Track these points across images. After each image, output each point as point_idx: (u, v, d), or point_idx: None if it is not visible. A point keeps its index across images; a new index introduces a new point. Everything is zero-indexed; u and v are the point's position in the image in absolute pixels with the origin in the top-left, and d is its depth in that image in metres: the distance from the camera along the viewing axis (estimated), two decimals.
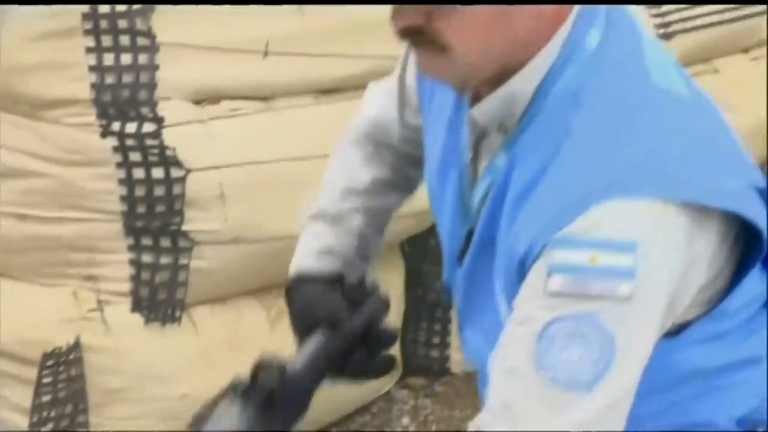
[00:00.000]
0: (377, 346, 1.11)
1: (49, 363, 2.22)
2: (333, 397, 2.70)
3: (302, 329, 1.13)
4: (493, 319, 0.96)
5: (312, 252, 1.23)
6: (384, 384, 2.91)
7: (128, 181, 2.22)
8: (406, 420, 2.88)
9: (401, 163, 1.26)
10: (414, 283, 2.98)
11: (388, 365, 1.14)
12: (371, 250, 1.27)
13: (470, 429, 0.91)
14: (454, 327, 2.97)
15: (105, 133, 2.20)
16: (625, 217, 0.84)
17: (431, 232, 2.88)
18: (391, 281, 2.87)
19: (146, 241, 2.29)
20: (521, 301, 0.88)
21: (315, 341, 1.09)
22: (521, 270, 0.89)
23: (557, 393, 0.84)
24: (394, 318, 2.88)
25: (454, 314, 1.44)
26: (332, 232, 1.23)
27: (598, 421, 0.85)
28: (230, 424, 0.99)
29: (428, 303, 3.00)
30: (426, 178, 1.13)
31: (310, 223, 1.27)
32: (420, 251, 2.97)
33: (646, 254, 0.83)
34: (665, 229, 0.85)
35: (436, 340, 3.00)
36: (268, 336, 2.52)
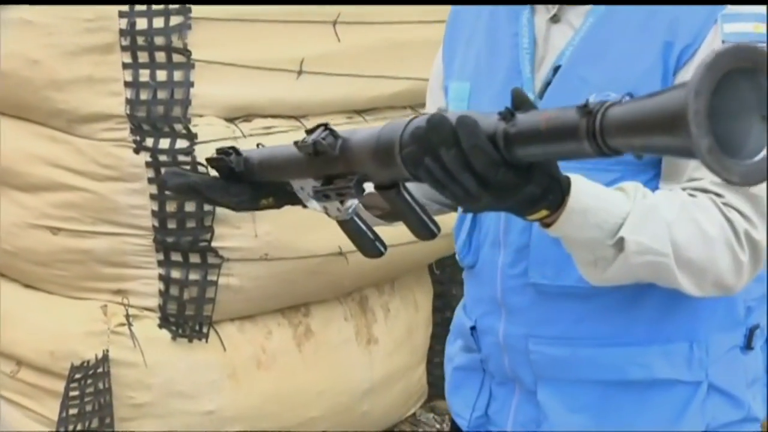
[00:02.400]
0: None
1: (77, 376, 2.23)
2: (359, 419, 2.69)
3: None
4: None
5: None
6: (410, 407, 2.89)
7: (160, 197, 2.24)
8: None
9: None
10: (442, 305, 2.97)
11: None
12: None
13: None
14: None
15: (138, 148, 2.22)
16: None
17: None
18: (419, 303, 2.85)
19: (176, 256, 2.29)
20: None
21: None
22: (681, 57, 1.12)
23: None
24: (421, 340, 2.87)
25: None
26: None
27: None
28: None
29: None
30: (455, 89, 1.30)
31: None
32: (449, 274, 2.95)
33: None
34: None
35: None
36: (296, 354, 2.52)
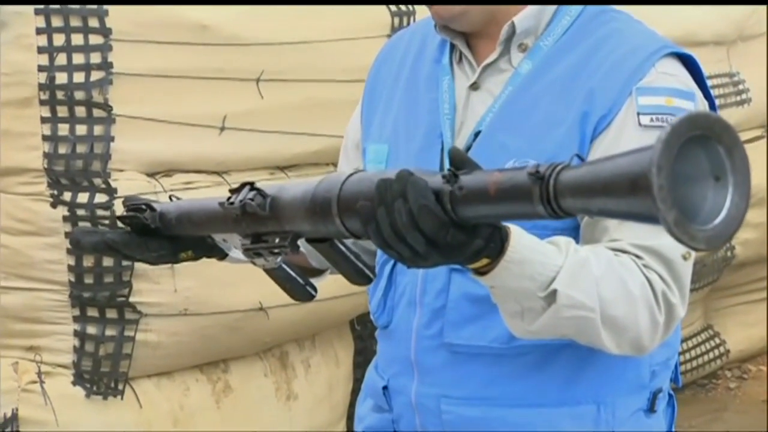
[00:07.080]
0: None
1: None
2: None
3: None
4: None
5: None
6: None
7: (76, 251, 2.20)
8: None
9: None
10: (363, 361, 2.97)
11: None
12: None
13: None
14: None
15: (56, 202, 2.19)
16: (679, 69, 1.20)
17: None
18: (340, 359, 2.85)
19: (92, 312, 2.26)
20: (615, 141, 1.15)
21: None
22: (598, 127, 1.17)
23: None
24: (342, 396, 2.86)
25: None
26: None
27: None
28: None
29: None
30: (373, 151, 1.31)
31: None
32: (370, 329, 2.96)
33: (699, 101, 1.21)
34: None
35: None
36: (214, 411, 2.49)
